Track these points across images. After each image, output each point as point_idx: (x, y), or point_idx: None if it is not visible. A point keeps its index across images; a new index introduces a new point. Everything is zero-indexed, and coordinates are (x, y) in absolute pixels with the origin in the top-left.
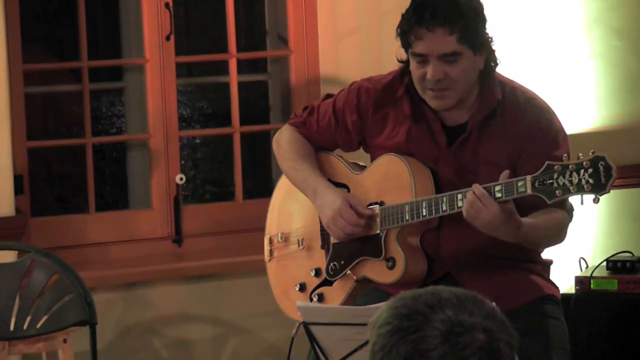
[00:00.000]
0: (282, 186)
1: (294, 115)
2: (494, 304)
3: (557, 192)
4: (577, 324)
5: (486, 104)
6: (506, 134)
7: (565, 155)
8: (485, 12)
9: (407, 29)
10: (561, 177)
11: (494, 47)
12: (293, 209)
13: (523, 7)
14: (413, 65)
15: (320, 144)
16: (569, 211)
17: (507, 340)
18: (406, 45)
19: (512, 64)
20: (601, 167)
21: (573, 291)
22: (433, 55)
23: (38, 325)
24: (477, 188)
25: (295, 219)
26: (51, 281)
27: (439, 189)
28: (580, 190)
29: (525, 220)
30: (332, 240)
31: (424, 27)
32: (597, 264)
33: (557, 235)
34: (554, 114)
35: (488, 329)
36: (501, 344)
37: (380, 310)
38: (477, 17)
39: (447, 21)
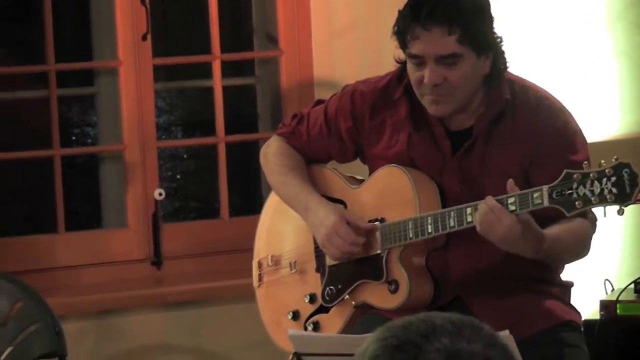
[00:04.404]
0: (272, 203)
1: (282, 124)
2: (507, 331)
3: (576, 203)
4: (602, 352)
5: (494, 105)
6: (517, 139)
7: (585, 162)
8: (492, 9)
9: (403, 28)
10: (581, 187)
11: (502, 49)
12: (284, 229)
13: (539, 3)
14: (410, 67)
15: (311, 156)
16: (591, 221)
17: None
18: (402, 45)
19: (527, 65)
20: (625, 175)
21: (597, 317)
22: (430, 57)
23: (1, 358)
24: (489, 200)
25: (286, 240)
26: (15, 309)
27: (444, 203)
28: (602, 201)
29: (547, 232)
30: (328, 262)
31: (420, 26)
32: (624, 287)
33: (580, 249)
34: (570, 114)
35: (489, 358)
36: None
37: (366, 342)
38: (481, 15)
39: (446, 19)
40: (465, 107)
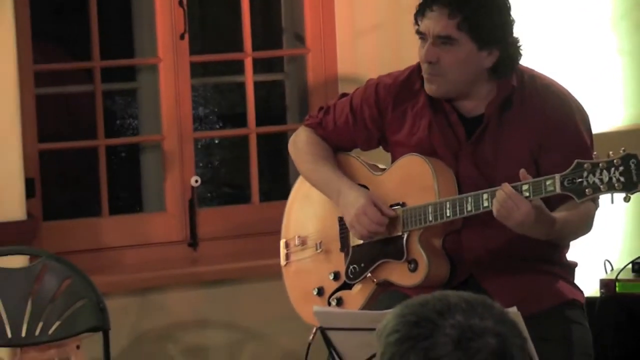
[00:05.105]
0: (299, 189)
1: (309, 116)
2: (514, 308)
3: (586, 190)
4: (602, 328)
5: (502, 92)
6: (526, 123)
7: (595, 153)
8: (512, 12)
9: (418, 8)
10: (591, 176)
11: (517, 51)
12: (310, 212)
13: (548, 2)
14: (419, 46)
15: (337, 144)
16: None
17: (519, 344)
18: (416, 24)
19: (536, 62)
20: (632, 165)
21: (598, 294)
22: (430, 36)
23: (50, 332)
24: (506, 187)
25: (312, 222)
26: (63, 286)
27: (460, 186)
28: (611, 188)
29: (557, 215)
30: (352, 242)
31: (428, 6)
32: (622, 266)
33: (586, 227)
34: (576, 100)
35: (499, 333)
36: (513, 348)
37: (386, 318)
38: (489, 9)
39: (450, 3)
40: (471, 94)
